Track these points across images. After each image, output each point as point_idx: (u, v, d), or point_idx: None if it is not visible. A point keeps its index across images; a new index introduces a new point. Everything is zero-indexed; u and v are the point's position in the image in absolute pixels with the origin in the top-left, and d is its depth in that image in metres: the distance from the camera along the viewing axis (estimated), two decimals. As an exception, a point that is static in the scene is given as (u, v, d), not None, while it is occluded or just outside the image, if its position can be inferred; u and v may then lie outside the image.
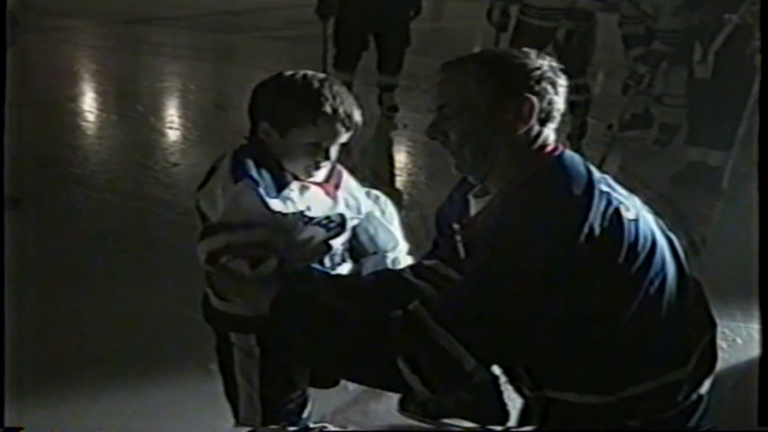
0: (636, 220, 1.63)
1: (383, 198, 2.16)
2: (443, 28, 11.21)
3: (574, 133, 5.90)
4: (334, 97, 1.88)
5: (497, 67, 1.72)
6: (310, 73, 1.93)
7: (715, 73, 4.84)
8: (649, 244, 1.64)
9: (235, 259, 1.76)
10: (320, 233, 1.92)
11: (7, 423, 2.13)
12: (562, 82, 1.75)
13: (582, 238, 1.55)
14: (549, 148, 1.73)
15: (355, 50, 6.30)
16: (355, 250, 2.10)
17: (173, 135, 6.00)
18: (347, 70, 6.31)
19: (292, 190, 1.89)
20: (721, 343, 3.19)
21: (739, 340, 3.25)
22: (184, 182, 4.77)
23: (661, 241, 1.69)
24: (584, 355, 1.67)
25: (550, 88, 1.71)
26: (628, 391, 1.70)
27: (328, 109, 1.87)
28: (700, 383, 1.79)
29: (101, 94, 7.17)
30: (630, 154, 5.65)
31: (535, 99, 1.69)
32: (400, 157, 5.90)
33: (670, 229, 1.82)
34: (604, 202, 1.60)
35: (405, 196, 4.95)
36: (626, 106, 5.58)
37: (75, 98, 6.83)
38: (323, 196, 1.97)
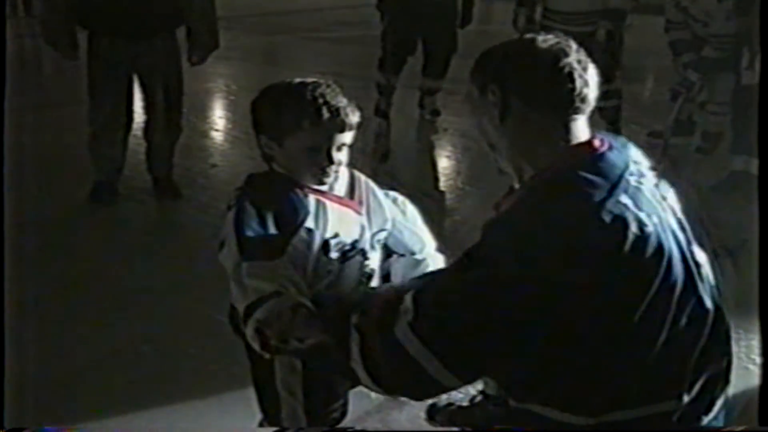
0: (647, 236, 1.52)
1: (401, 198, 2.15)
2: (489, 31, 11.13)
3: None
4: (315, 99, 1.86)
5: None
6: (299, 79, 1.93)
7: (762, 80, 4.72)
8: (656, 266, 1.53)
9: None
10: (334, 263, 1.93)
11: (8, 424, 2.14)
12: (591, 72, 1.63)
13: (575, 245, 1.47)
14: (594, 144, 1.62)
15: (402, 54, 6.30)
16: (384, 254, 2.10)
17: (214, 136, 6.04)
18: (392, 73, 6.33)
19: (312, 217, 1.89)
20: (755, 357, 3.13)
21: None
22: (221, 184, 4.80)
23: (677, 271, 1.57)
24: (562, 370, 1.58)
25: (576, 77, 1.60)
26: (610, 416, 1.61)
27: (310, 109, 1.86)
28: (698, 417, 1.69)
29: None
30: (671, 162, 5.53)
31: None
32: (440, 162, 5.88)
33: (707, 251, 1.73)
34: (611, 214, 1.50)
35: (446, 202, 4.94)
36: (675, 113, 5.48)
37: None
38: (354, 215, 1.98)
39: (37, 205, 4.44)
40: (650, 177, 1.66)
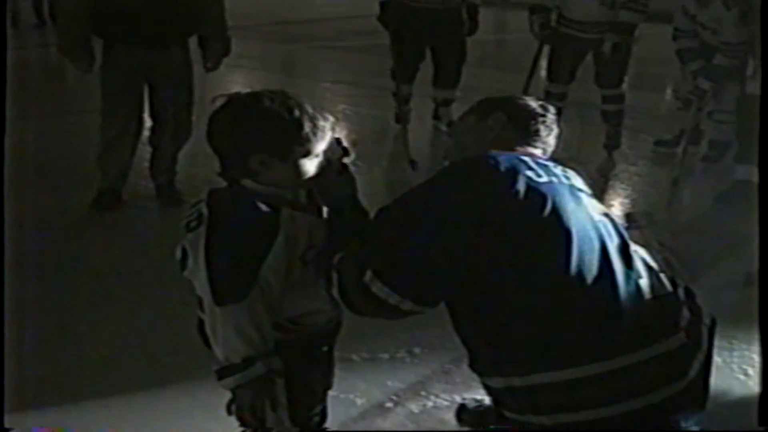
0: (538, 184, 1.90)
1: None
2: (504, 40, 11.12)
3: (609, 143, 5.82)
4: (304, 106, 1.92)
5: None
6: (268, 93, 1.93)
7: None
8: (541, 208, 1.86)
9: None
10: (313, 272, 2.00)
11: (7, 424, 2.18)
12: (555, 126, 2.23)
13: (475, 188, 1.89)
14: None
15: (412, 63, 6.31)
16: None
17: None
18: (406, 82, 6.33)
19: (287, 233, 1.92)
20: (747, 368, 3.11)
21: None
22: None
23: (572, 219, 1.89)
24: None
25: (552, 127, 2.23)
26: (538, 378, 1.85)
27: (311, 116, 1.91)
28: (652, 389, 1.85)
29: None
30: (686, 170, 5.49)
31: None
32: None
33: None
34: (508, 164, 1.92)
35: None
36: (691, 122, 5.47)
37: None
38: (319, 219, 2.01)
39: (44, 210, 4.56)
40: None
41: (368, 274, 1.88)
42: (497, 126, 2.16)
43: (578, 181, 2.09)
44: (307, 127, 1.90)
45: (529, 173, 1.92)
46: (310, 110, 1.92)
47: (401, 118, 6.24)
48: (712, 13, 5.32)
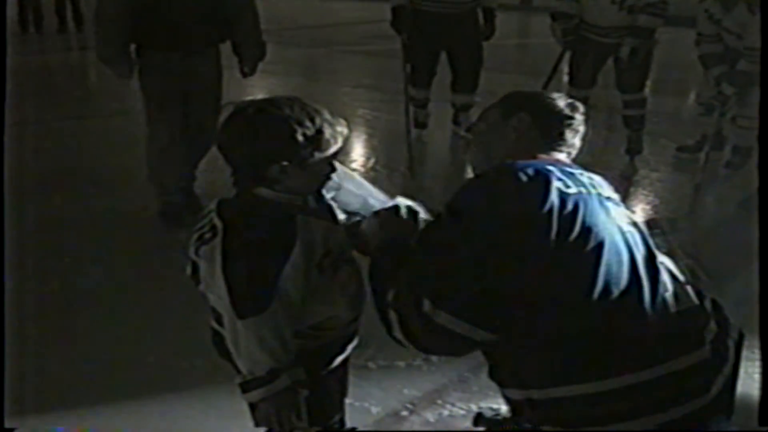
0: (568, 197, 1.79)
1: (341, 170, 2.13)
2: (526, 45, 11.08)
3: (630, 148, 5.77)
4: (319, 112, 1.90)
5: None
6: (285, 100, 1.90)
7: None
8: (572, 220, 1.77)
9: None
10: (327, 278, 1.98)
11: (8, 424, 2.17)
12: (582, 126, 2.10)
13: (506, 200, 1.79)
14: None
15: (426, 68, 6.30)
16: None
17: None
18: (423, 87, 6.33)
19: (304, 239, 1.90)
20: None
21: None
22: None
23: (602, 230, 1.79)
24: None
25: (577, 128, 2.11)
26: (559, 391, 1.80)
27: (327, 122, 1.89)
28: (665, 406, 1.78)
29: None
30: (709, 176, 5.44)
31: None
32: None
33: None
34: (539, 176, 1.81)
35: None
36: (714, 128, 5.42)
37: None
38: (331, 224, 2.00)
39: (62, 212, 4.62)
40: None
41: (427, 304, 1.76)
42: (521, 127, 2.05)
43: (605, 189, 2.00)
44: (328, 133, 1.89)
45: (559, 184, 1.83)
46: (327, 116, 1.90)
47: (412, 123, 6.23)
48: (737, 17, 5.28)
